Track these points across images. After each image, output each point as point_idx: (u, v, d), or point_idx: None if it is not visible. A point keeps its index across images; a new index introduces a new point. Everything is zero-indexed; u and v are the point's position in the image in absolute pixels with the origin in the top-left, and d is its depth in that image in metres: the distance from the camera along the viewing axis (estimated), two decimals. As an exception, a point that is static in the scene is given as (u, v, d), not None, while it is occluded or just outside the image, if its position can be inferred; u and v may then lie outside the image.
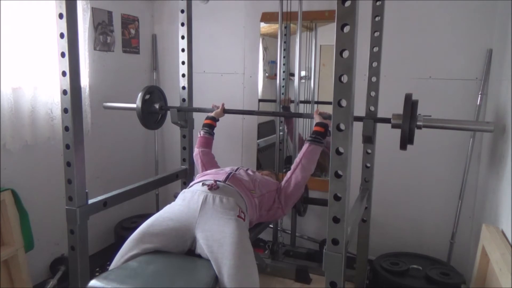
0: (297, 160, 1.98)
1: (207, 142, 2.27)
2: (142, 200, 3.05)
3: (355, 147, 1.39)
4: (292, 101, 2.74)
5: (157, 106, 2.32)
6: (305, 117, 2.05)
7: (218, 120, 2.32)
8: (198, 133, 2.29)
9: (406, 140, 1.59)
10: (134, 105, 2.22)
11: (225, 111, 2.30)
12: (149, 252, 1.58)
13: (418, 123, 1.60)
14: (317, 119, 1.99)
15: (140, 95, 2.22)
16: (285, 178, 2.02)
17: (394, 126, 1.65)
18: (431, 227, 2.55)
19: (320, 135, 1.95)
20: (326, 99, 2.81)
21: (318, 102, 2.83)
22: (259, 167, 2.99)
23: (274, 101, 2.84)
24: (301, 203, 2.53)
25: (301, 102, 2.74)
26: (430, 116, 1.63)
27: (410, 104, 1.59)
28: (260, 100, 2.97)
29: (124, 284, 1.40)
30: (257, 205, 1.87)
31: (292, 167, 2.00)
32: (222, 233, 1.57)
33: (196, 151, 2.26)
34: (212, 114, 2.30)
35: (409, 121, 1.57)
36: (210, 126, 2.29)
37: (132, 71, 3.06)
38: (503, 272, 1.43)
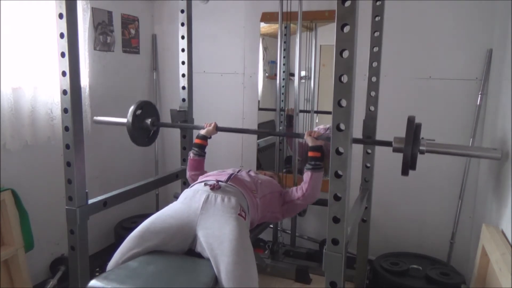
0: (303, 189, 1.93)
1: (198, 165, 2.12)
2: (142, 200, 3.05)
3: (355, 147, 1.40)
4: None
5: (148, 121, 2.22)
6: (301, 137, 1.99)
7: (210, 138, 2.17)
8: (189, 155, 2.15)
9: (408, 166, 1.50)
10: (124, 120, 2.13)
11: (218, 128, 2.15)
12: (149, 252, 1.59)
13: (421, 148, 1.52)
14: (309, 142, 1.91)
15: (131, 109, 2.12)
16: (292, 199, 1.98)
17: (395, 150, 1.56)
18: (431, 227, 2.55)
19: (318, 160, 1.89)
20: (326, 99, 2.81)
21: (318, 112, 2.83)
22: (259, 167, 2.99)
23: (273, 110, 2.85)
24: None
25: (301, 111, 2.72)
26: (434, 140, 1.55)
27: (413, 128, 1.50)
28: (260, 109, 2.96)
29: (124, 284, 1.40)
30: (259, 205, 1.87)
31: (299, 194, 1.95)
32: (222, 230, 1.57)
33: (188, 174, 2.14)
34: (203, 132, 2.14)
35: (411, 146, 1.48)
36: (200, 147, 2.13)
37: (132, 71, 3.06)
38: (503, 272, 1.43)
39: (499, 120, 2.05)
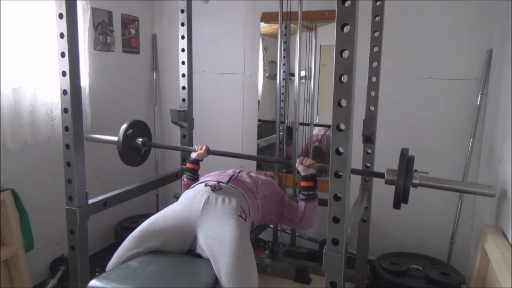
0: (299, 217, 1.93)
1: None
2: (142, 200, 3.05)
3: (355, 147, 1.39)
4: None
5: (139, 141, 2.20)
6: (293, 165, 1.98)
7: (202, 160, 2.15)
8: (182, 179, 2.16)
9: (400, 199, 1.46)
10: (115, 138, 2.13)
11: (209, 152, 2.13)
12: (149, 252, 1.59)
13: (414, 181, 1.48)
14: (301, 171, 1.89)
15: (122, 128, 2.12)
16: (290, 219, 1.99)
17: (387, 182, 1.54)
18: (431, 227, 2.55)
19: (311, 190, 1.90)
20: (326, 99, 2.81)
21: (317, 125, 2.84)
22: (259, 167, 2.99)
23: (273, 122, 2.86)
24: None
25: (301, 124, 2.74)
26: (427, 173, 1.51)
27: (406, 161, 1.47)
28: (259, 121, 2.98)
29: (124, 284, 1.40)
30: (260, 206, 1.87)
31: (296, 220, 1.96)
32: (222, 232, 1.57)
33: None
34: (194, 156, 2.12)
35: (404, 179, 1.45)
36: (193, 171, 2.12)
37: (132, 71, 3.05)
38: (503, 272, 1.43)
39: (497, 146, 2.05)
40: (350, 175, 1.25)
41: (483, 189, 1.51)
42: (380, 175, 1.60)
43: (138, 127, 2.23)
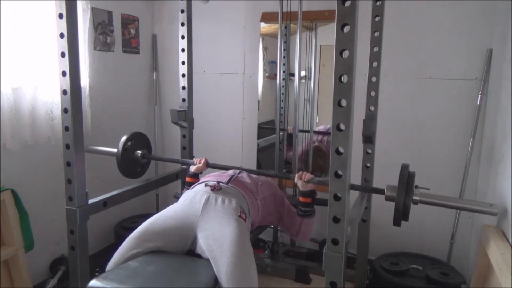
0: (296, 231, 1.94)
1: None
2: (142, 200, 3.05)
3: (355, 147, 1.39)
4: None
5: (139, 154, 2.20)
6: (292, 179, 1.96)
7: (201, 173, 2.13)
8: (182, 192, 2.13)
9: (400, 216, 1.44)
10: (115, 150, 2.13)
11: (208, 165, 2.11)
12: (149, 252, 1.59)
13: (414, 198, 1.46)
14: (300, 186, 1.87)
15: (122, 140, 2.13)
16: (287, 226, 1.99)
17: (387, 199, 1.52)
18: (431, 227, 2.55)
19: (309, 206, 1.90)
20: (326, 99, 2.81)
21: (316, 132, 2.83)
22: (259, 167, 2.99)
23: (273, 128, 2.86)
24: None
25: (300, 131, 2.74)
26: (428, 189, 1.48)
27: (406, 177, 1.45)
28: (260, 127, 2.98)
29: (124, 284, 1.40)
30: (260, 207, 1.87)
31: (292, 232, 1.97)
32: (222, 232, 1.57)
33: None
34: (193, 170, 2.12)
35: (404, 195, 1.43)
36: (192, 185, 2.06)
37: (132, 71, 3.05)
38: (503, 272, 1.43)
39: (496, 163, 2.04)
40: (350, 174, 1.25)
41: (485, 207, 1.49)
42: (380, 191, 1.59)
43: (137, 139, 2.23)
